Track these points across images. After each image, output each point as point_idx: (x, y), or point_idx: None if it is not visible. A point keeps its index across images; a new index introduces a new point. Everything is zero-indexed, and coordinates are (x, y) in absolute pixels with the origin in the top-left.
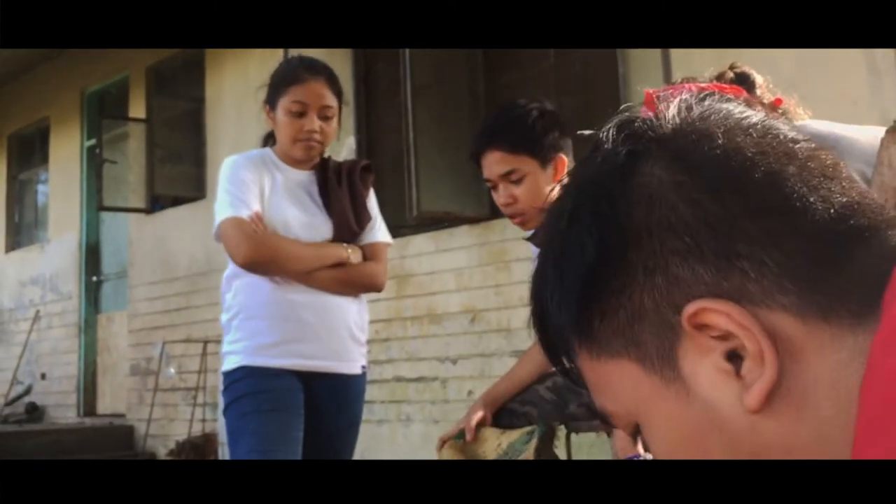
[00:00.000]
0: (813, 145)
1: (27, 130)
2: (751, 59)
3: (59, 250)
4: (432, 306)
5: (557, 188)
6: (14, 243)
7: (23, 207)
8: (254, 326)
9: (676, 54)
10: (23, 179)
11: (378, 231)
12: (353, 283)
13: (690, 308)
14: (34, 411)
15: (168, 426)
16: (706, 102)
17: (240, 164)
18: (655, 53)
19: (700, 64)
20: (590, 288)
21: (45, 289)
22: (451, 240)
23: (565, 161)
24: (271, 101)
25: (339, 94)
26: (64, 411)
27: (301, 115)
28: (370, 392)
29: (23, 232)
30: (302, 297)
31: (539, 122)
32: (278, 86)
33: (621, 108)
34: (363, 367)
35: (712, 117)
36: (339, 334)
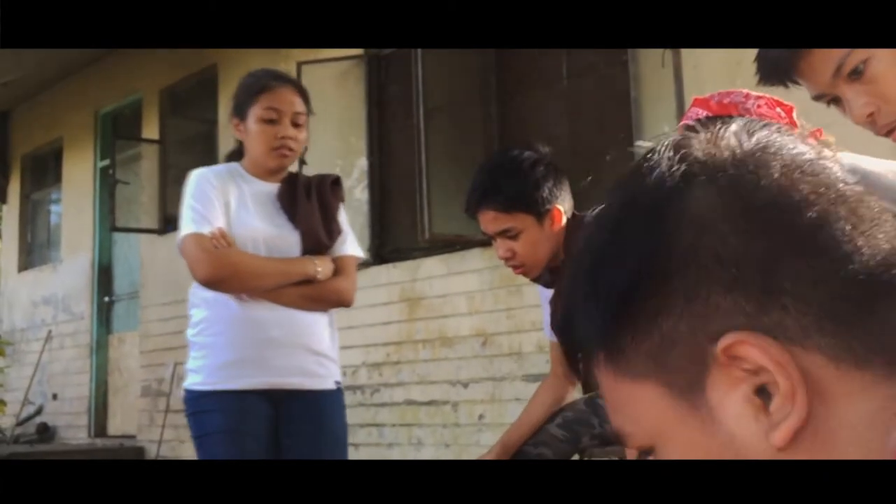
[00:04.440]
0: (862, 188)
1: (41, 151)
2: (767, 88)
3: (71, 270)
4: (443, 329)
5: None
6: (27, 263)
7: (35, 227)
8: (218, 343)
9: (689, 78)
10: (36, 199)
11: (348, 244)
12: (320, 299)
13: (727, 339)
14: (45, 432)
15: (178, 448)
16: (764, 132)
17: (205, 177)
18: (668, 78)
19: (713, 87)
20: (626, 305)
21: (57, 309)
22: (463, 263)
23: (561, 212)
24: (240, 113)
25: (307, 102)
26: (75, 432)
27: (274, 122)
28: (380, 415)
29: (35, 252)
30: (268, 312)
31: (532, 175)
32: (248, 95)
33: (680, 125)
34: (337, 382)
35: (770, 149)
36: (310, 350)
